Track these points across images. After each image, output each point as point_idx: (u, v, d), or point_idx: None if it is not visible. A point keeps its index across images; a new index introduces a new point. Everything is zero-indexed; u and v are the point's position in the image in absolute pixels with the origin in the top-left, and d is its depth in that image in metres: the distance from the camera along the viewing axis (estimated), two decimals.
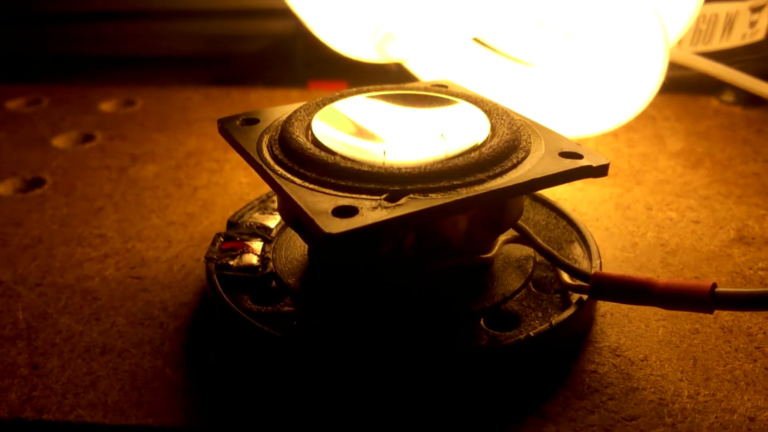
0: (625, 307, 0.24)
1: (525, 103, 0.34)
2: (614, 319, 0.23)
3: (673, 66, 0.37)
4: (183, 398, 0.20)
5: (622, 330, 0.23)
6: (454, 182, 0.19)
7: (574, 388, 0.21)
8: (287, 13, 0.37)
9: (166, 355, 0.22)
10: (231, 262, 0.24)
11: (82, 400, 0.20)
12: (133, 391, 0.21)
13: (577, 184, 0.32)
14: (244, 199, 0.32)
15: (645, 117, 0.40)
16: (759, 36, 0.42)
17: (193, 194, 0.32)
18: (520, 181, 0.20)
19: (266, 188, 0.33)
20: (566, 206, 0.28)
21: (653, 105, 0.40)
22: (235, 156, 0.36)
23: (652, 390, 0.21)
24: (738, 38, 0.41)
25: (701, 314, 0.23)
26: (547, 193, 0.28)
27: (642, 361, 0.22)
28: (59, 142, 0.38)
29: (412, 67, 0.38)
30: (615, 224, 0.29)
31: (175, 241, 0.29)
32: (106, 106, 0.43)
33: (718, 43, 0.41)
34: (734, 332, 0.23)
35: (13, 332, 0.23)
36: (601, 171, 0.21)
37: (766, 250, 0.27)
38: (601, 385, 0.21)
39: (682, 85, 0.42)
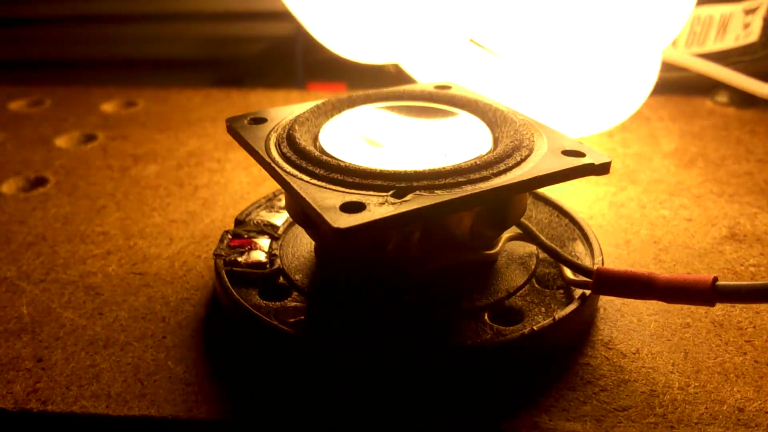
0: (618, 302, 0.24)
1: (522, 105, 0.35)
2: (607, 314, 0.24)
3: (668, 67, 0.38)
4: (185, 390, 0.21)
5: (614, 324, 0.23)
6: (459, 179, 0.20)
7: (567, 380, 0.21)
8: (287, 16, 0.38)
9: (168, 348, 0.23)
10: (239, 259, 0.24)
11: (86, 392, 0.21)
12: (135, 383, 0.21)
13: (572, 182, 0.33)
14: (245, 198, 0.32)
15: (640, 117, 0.40)
16: (752, 38, 0.42)
17: (194, 193, 0.33)
18: (524, 178, 0.20)
19: (266, 188, 0.33)
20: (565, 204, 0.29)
21: (648, 106, 0.41)
22: (236, 156, 0.37)
23: (643, 382, 0.21)
24: (732, 40, 0.42)
25: (692, 309, 0.24)
26: (546, 191, 0.29)
27: (634, 354, 0.22)
28: (62, 142, 0.39)
29: (409, 68, 0.39)
30: (609, 222, 0.30)
31: (177, 239, 0.29)
32: (108, 107, 0.44)
33: (712, 45, 0.42)
34: (725, 326, 0.23)
35: (17, 326, 0.24)
36: (603, 169, 0.21)
37: (757, 246, 0.28)
38: (593, 377, 0.21)
39: (676, 86, 0.43)
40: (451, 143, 0.23)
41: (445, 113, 0.25)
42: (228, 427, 0.20)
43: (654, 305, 0.24)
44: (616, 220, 0.30)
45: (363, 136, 0.24)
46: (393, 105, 0.26)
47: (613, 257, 0.27)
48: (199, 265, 0.27)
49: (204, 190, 0.33)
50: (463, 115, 0.25)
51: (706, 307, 0.24)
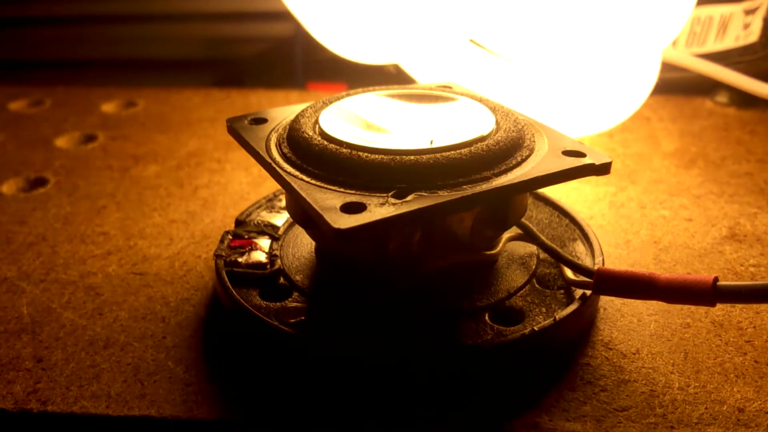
0: (618, 302, 0.24)
1: (522, 105, 0.35)
2: (607, 314, 0.24)
3: (668, 67, 0.38)
4: (185, 390, 0.21)
5: (614, 324, 0.23)
6: (460, 180, 0.20)
7: (567, 380, 0.21)
8: (287, 16, 0.38)
9: (168, 349, 0.23)
10: (240, 259, 0.24)
11: (86, 392, 0.21)
12: (135, 383, 0.21)
13: (572, 183, 0.33)
14: (245, 198, 0.32)
15: (640, 118, 0.40)
16: (752, 38, 0.42)
17: (194, 193, 0.33)
18: (525, 178, 0.20)
19: (266, 188, 0.33)
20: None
21: (648, 106, 0.41)
22: (236, 156, 0.37)
23: (643, 382, 0.21)
24: (732, 40, 0.42)
25: (692, 309, 0.24)
26: (546, 191, 0.29)
27: (634, 354, 0.22)
28: (62, 142, 0.39)
29: (409, 68, 0.39)
30: (609, 222, 0.30)
31: (177, 239, 0.29)
32: (108, 107, 0.44)
33: (713, 45, 0.42)
34: (725, 326, 0.23)
35: (18, 326, 0.24)
36: (603, 169, 0.21)
37: (757, 247, 0.28)
38: (593, 378, 0.21)
39: (677, 86, 0.43)
40: (452, 125, 0.23)
41: (446, 98, 0.25)
42: (228, 427, 0.20)
43: (654, 305, 0.24)
44: (616, 220, 0.30)
45: (362, 120, 0.23)
46: (393, 93, 0.25)
47: (613, 257, 0.27)
48: (199, 266, 0.27)
49: (204, 191, 0.33)
50: (466, 101, 0.25)
51: (707, 308, 0.24)
